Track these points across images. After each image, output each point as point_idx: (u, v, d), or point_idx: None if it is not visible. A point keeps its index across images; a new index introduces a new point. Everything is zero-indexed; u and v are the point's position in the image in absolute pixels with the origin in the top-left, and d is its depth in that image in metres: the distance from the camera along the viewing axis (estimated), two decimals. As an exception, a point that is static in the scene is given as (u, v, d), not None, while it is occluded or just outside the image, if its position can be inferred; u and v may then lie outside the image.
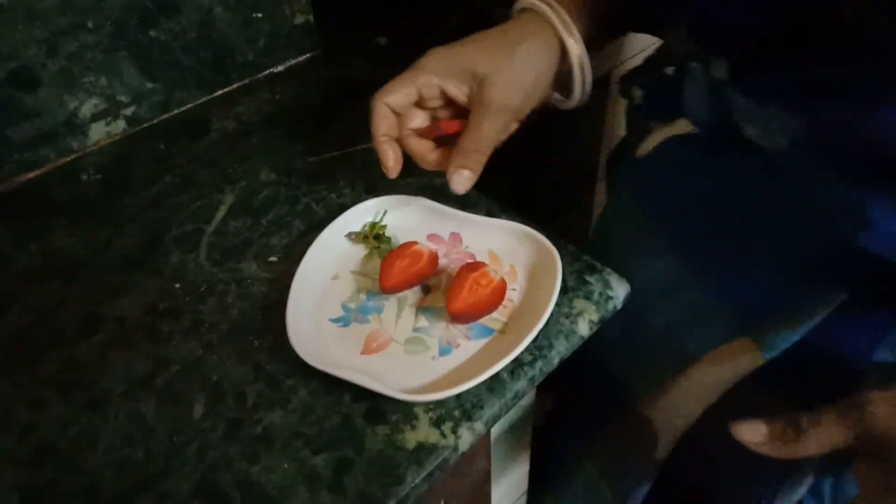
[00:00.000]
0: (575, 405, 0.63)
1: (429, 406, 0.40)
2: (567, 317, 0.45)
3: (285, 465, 0.38)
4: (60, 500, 0.38)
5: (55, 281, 0.50)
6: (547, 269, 0.46)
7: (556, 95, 0.51)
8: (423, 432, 0.39)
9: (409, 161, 0.50)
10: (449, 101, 0.49)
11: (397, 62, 0.73)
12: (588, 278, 0.47)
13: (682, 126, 0.47)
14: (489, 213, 0.51)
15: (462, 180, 0.46)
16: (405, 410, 0.40)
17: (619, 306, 0.47)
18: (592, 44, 0.48)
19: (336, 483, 0.37)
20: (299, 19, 0.71)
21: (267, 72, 0.72)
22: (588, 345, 0.46)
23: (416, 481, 0.37)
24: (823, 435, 0.38)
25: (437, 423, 0.39)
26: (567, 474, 0.64)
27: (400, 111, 0.48)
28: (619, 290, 0.46)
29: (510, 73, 0.45)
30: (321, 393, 0.41)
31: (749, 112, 0.40)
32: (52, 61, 0.57)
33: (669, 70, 0.48)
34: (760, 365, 0.43)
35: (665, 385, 0.50)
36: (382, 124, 0.48)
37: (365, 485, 0.37)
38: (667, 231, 0.49)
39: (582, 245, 0.49)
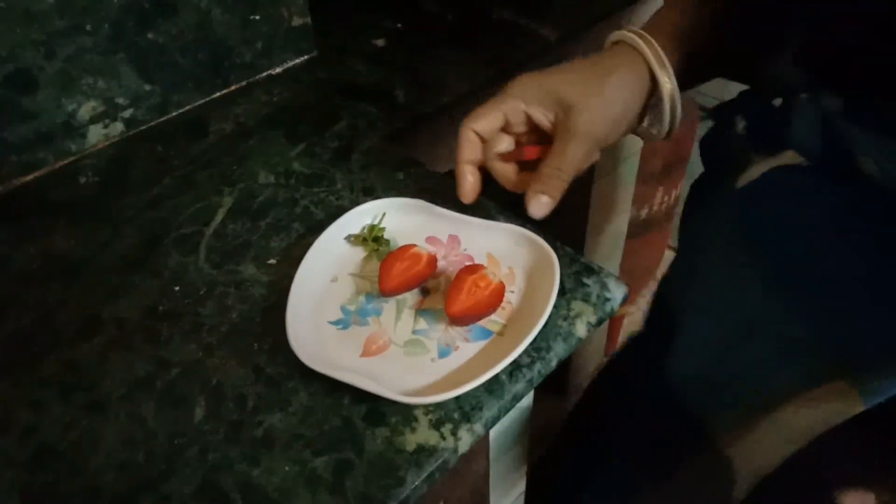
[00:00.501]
0: (636, 437, 0.59)
1: (428, 408, 0.40)
2: (565, 319, 0.45)
3: (286, 468, 0.38)
4: (61, 502, 0.38)
5: (54, 283, 0.50)
6: (545, 272, 0.46)
7: (644, 126, 0.51)
8: (422, 434, 0.39)
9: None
10: (534, 127, 0.49)
11: (394, 64, 0.74)
12: (586, 280, 0.47)
13: (788, 157, 0.45)
14: (487, 216, 0.52)
15: (540, 205, 0.46)
16: (405, 412, 0.40)
17: (616, 308, 0.47)
18: (680, 82, 0.47)
19: (336, 485, 0.37)
20: (297, 21, 0.71)
21: (265, 73, 0.72)
22: (660, 376, 0.45)
23: (416, 483, 0.37)
24: None
25: (436, 425, 0.40)
26: None
27: (486, 137, 0.49)
28: (617, 293, 0.47)
29: (598, 103, 0.46)
30: (321, 395, 0.41)
31: (867, 145, 0.39)
32: (49, 63, 0.57)
33: (777, 101, 0.46)
34: (859, 412, 0.41)
35: (751, 423, 0.47)
36: (467, 150, 0.48)
37: (365, 487, 0.37)
38: (762, 263, 0.47)
39: (579, 247, 0.49)
